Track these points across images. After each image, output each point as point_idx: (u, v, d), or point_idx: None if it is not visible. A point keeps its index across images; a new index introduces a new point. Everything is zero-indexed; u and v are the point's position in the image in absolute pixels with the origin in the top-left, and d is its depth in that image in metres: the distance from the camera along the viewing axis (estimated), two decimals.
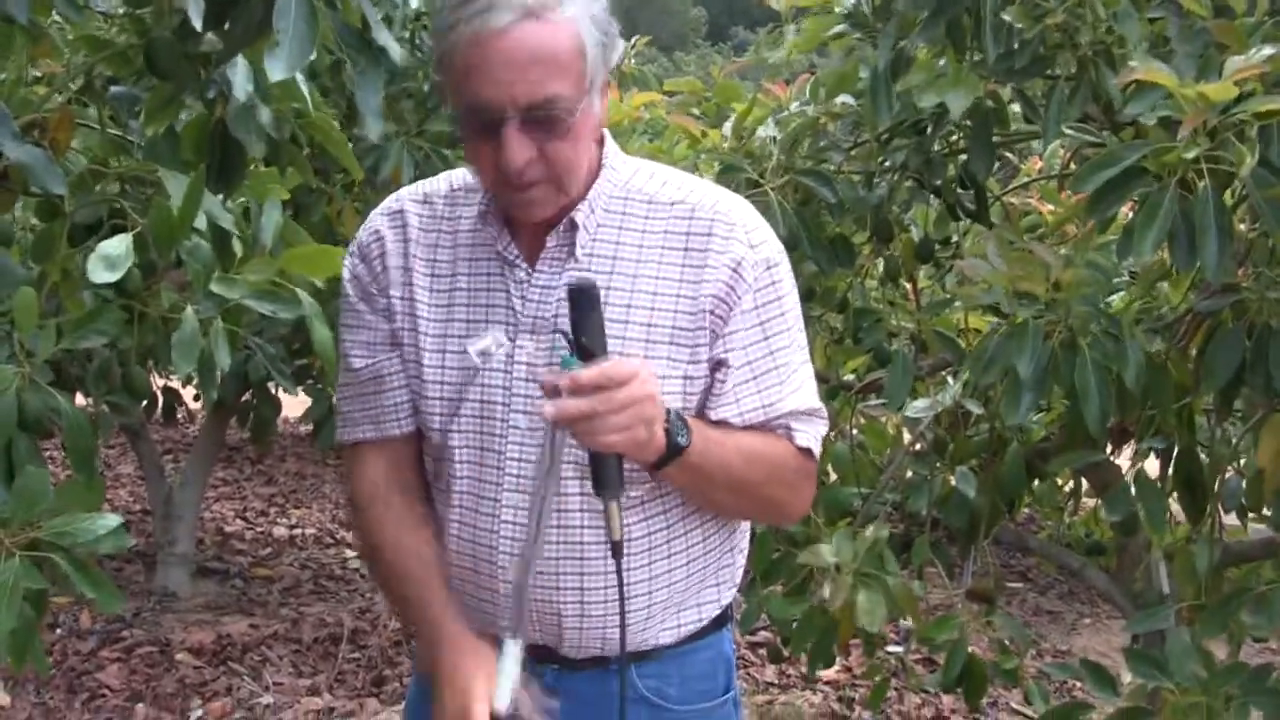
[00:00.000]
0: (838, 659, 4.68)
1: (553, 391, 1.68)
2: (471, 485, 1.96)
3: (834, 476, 3.60)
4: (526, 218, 1.87)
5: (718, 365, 1.91)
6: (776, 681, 4.71)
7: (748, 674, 4.77)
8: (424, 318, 1.96)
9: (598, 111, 1.85)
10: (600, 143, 1.93)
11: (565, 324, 1.75)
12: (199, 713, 4.35)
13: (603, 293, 1.80)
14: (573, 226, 1.88)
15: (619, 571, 1.80)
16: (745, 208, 1.95)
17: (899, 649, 4.90)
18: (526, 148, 1.76)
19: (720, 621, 2.10)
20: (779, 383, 1.94)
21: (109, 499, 6.29)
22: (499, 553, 1.93)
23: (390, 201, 2.03)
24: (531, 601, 1.91)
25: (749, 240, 1.90)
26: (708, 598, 2.07)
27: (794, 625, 3.25)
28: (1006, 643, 3.42)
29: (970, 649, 3.33)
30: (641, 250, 1.90)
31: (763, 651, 4.74)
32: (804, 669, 4.69)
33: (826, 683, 4.67)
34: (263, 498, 7.13)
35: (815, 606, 3.16)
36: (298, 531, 6.46)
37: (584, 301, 1.74)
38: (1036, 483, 3.75)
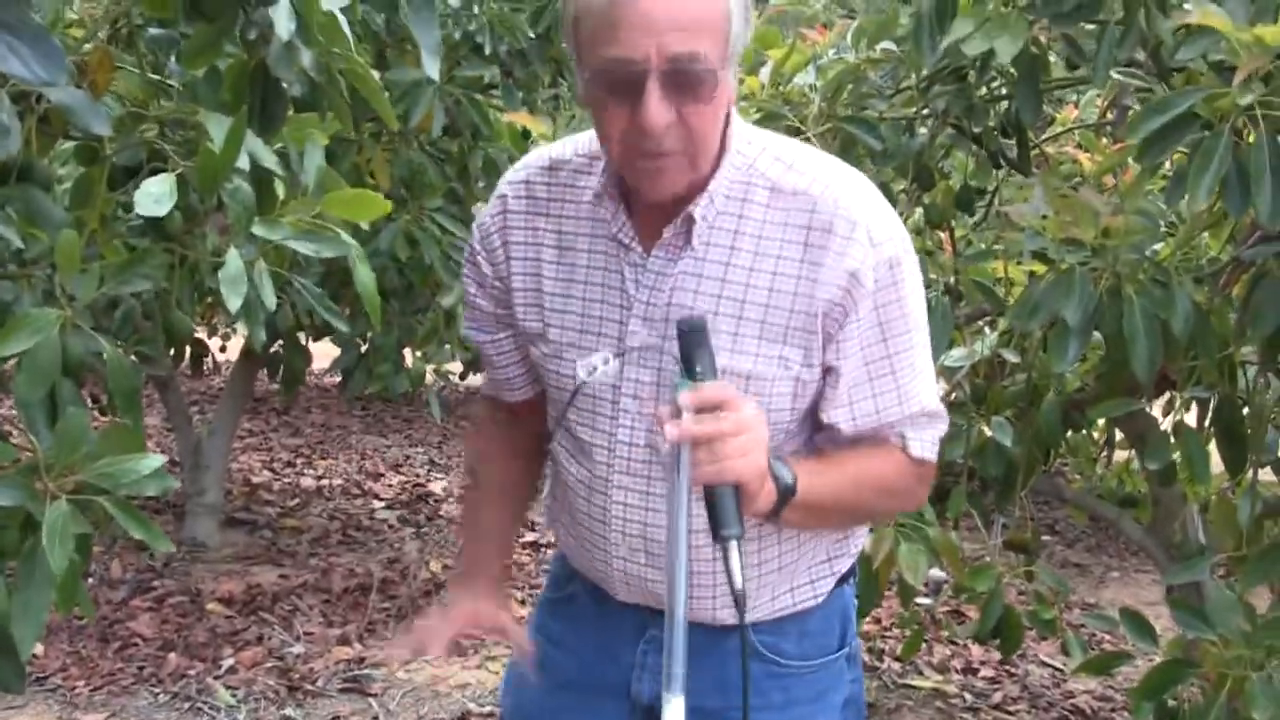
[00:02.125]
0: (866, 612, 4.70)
1: (673, 414, 1.64)
2: (585, 462, 1.95)
3: None
4: (653, 191, 1.79)
5: (830, 369, 1.84)
6: None
7: None
8: (549, 292, 1.94)
9: (732, 88, 1.76)
10: (726, 123, 1.82)
11: (678, 332, 1.71)
12: (230, 662, 4.36)
13: (718, 284, 1.81)
14: (690, 220, 1.81)
15: (741, 616, 1.65)
16: (870, 199, 1.83)
17: (928, 601, 4.91)
18: (666, 109, 1.67)
19: (842, 581, 2.06)
20: (895, 387, 1.86)
21: None
22: (611, 530, 1.94)
23: (515, 172, 1.98)
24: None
25: (871, 239, 1.79)
26: (821, 573, 2.02)
27: None
28: (1043, 593, 3.41)
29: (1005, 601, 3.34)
30: (760, 241, 1.82)
31: None
32: None
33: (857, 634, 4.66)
34: (289, 449, 7.14)
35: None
36: (325, 482, 6.46)
37: (694, 338, 1.70)
38: (1070, 434, 3.74)
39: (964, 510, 3.39)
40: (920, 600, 4.57)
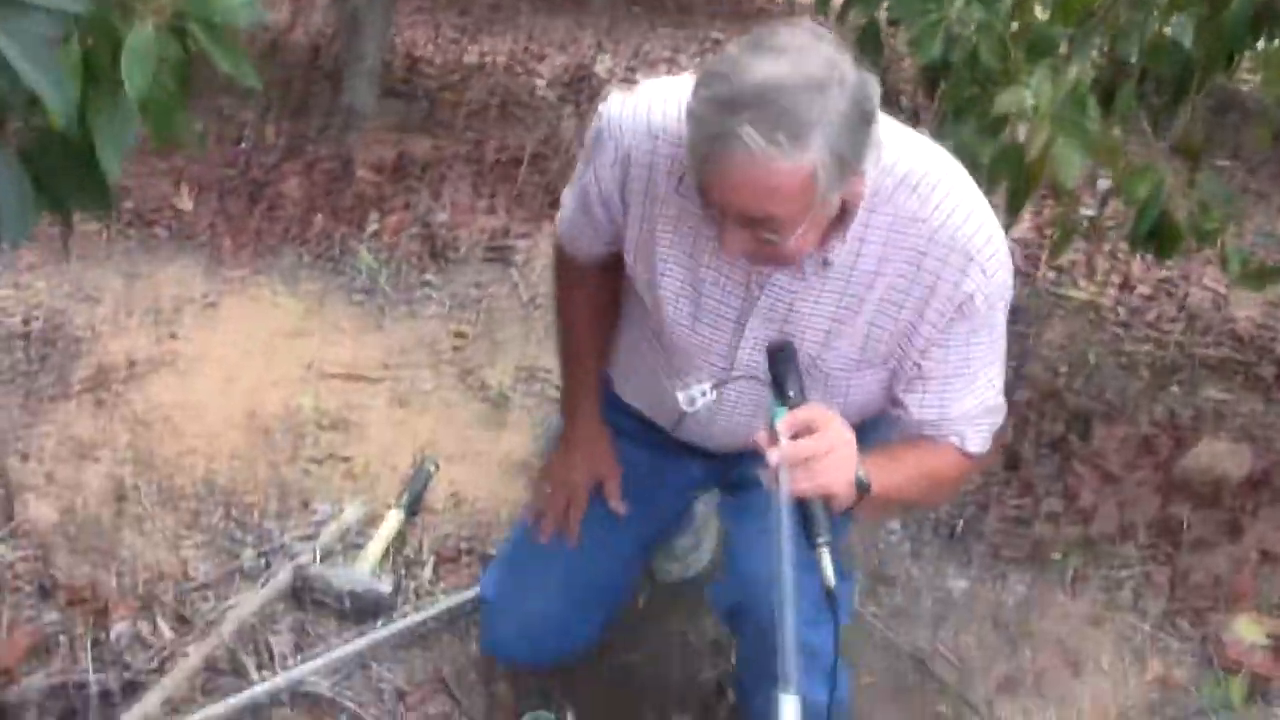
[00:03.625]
0: (1029, 217, 4.52)
1: (770, 441, 1.79)
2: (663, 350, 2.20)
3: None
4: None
5: (917, 363, 2.02)
6: None
7: None
8: (663, 256, 2.07)
9: (834, 207, 1.83)
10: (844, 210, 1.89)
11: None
12: (375, 226, 4.38)
13: (838, 296, 1.98)
14: (826, 264, 1.95)
15: (835, 623, 1.86)
16: (986, 231, 1.94)
17: (1092, 212, 4.69)
18: (744, 241, 1.80)
19: None
20: (964, 389, 2.03)
21: (293, 16, 6.24)
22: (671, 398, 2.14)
23: (643, 129, 2.03)
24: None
25: (982, 273, 1.93)
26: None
27: (986, 165, 3.09)
28: (1208, 201, 3.21)
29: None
30: (880, 263, 1.94)
31: None
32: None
33: (1015, 239, 4.49)
34: (455, 26, 6.99)
35: (1009, 147, 2.99)
36: (488, 59, 6.34)
37: (783, 359, 1.92)
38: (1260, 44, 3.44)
39: (1132, 110, 3.18)
40: (1085, 212, 4.38)
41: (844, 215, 1.89)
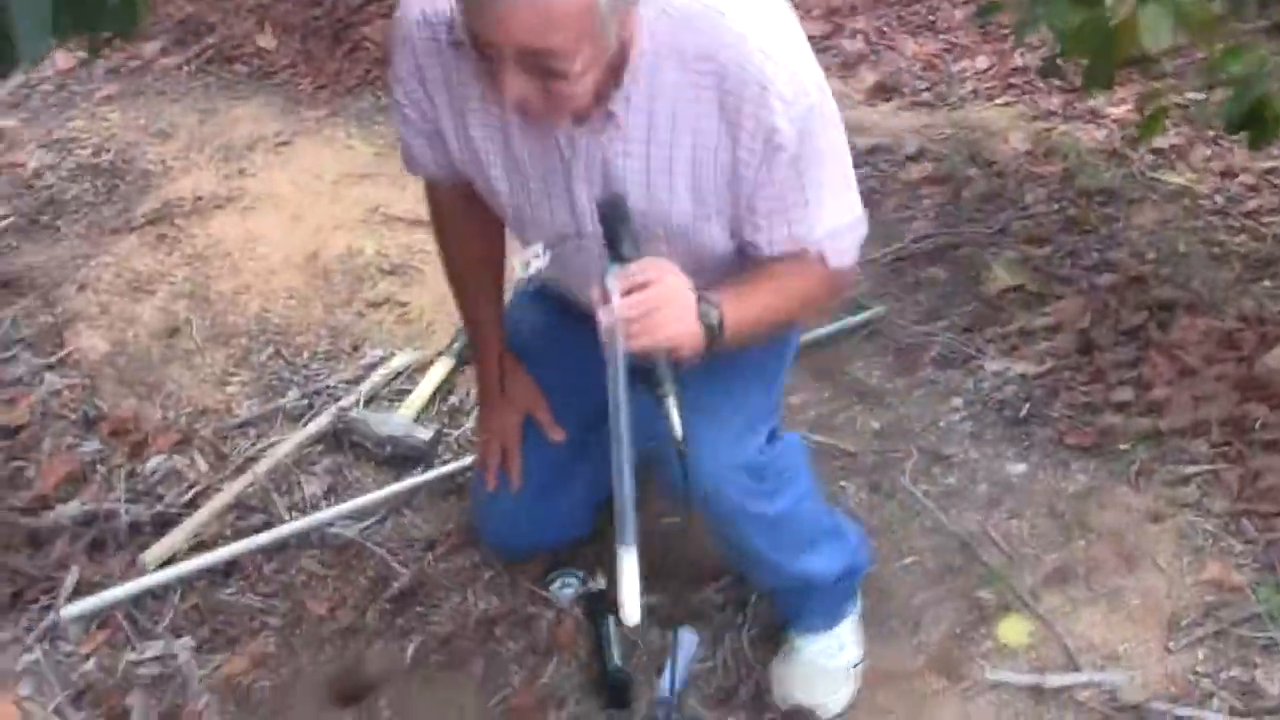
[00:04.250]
0: (1130, 99, 4.29)
1: (603, 299, 1.73)
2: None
3: None
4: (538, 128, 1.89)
5: (750, 205, 1.93)
6: (1059, 110, 4.34)
7: (1030, 100, 4.40)
8: (481, 144, 1.98)
9: (612, 45, 1.73)
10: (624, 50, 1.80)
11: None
12: None
13: (643, 146, 1.88)
14: (610, 116, 1.86)
15: (685, 473, 1.85)
16: (778, 56, 1.84)
17: (1200, 96, 4.43)
18: (524, 85, 1.70)
19: None
20: (809, 215, 1.95)
21: None
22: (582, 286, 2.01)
23: (420, 13, 1.94)
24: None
25: (782, 98, 1.83)
26: None
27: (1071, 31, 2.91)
28: None
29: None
30: (675, 114, 1.86)
31: (1048, 83, 4.35)
32: (1092, 104, 4.34)
33: (1114, 120, 4.28)
34: None
35: (1091, 16, 2.80)
36: None
37: (614, 216, 1.81)
38: None
39: None
40: (1191, 95, 4.14)
41: (622, 60, 1.81)
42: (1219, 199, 3.94)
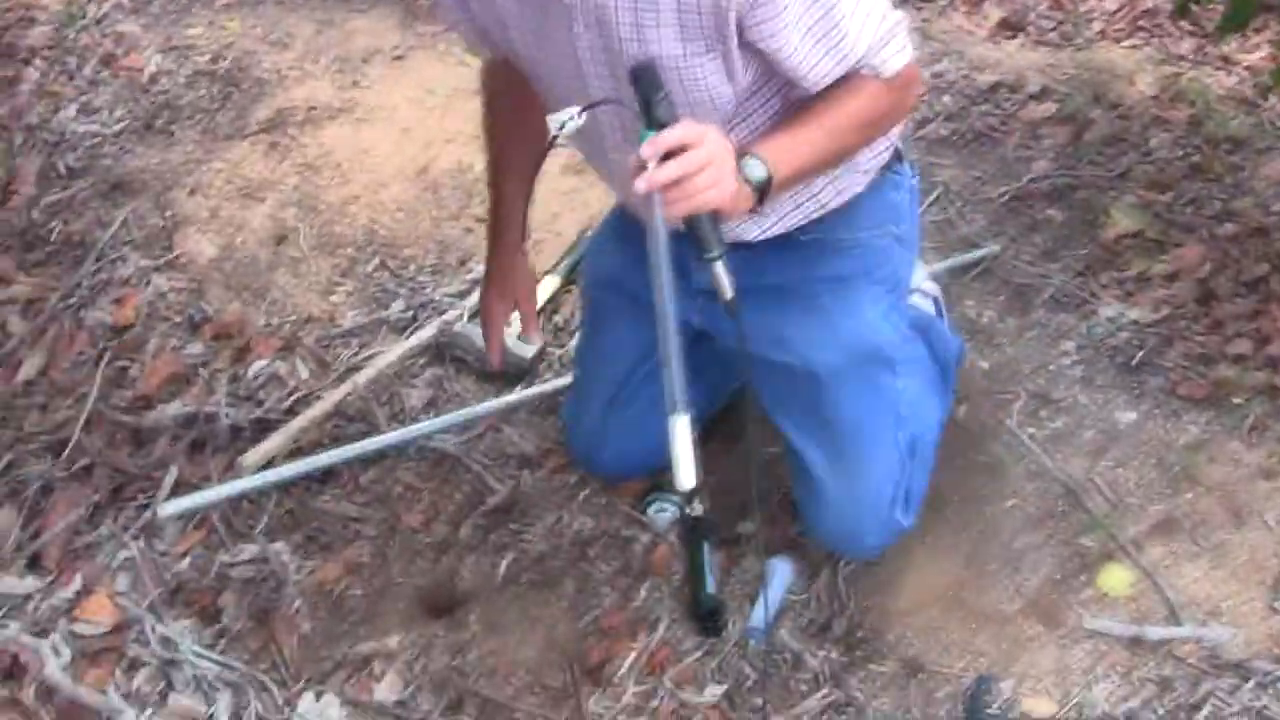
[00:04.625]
0: (1266, 44, 4.12)
1: (639, 167, 1.68)
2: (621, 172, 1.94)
3: None
4: None
5: (773, 50, 1.84)
6: (1189, 55, 4.18)
7: (1159, 43, 4.25)
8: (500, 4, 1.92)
9: None
10: None
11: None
12: None
13: None
14: None
15: (740, 324, 1.80)
16: None
17: None
18: None
19: (886, 169, 2.24)
20: (844, 35, 1.85)
21: None
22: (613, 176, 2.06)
23: None
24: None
25: None
26: (849, 182, 2.18)
27: None
28: None
29: None
30: None
31: (1179, 26, 4.20)
32: (1225, 50, 4.17)
33: (1245, 67, 4.11)
34: None
35: None
36: None
37: (645, 81, 1.76)
38: None
39: None
40: None
41: None
42: None
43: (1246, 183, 3.63)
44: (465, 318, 2.92)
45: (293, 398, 2.72)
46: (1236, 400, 2.98)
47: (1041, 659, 2.39)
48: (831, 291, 2.28)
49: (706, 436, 2.60)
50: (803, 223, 2.21)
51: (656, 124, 1.73)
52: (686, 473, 1.82)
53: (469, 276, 3.09)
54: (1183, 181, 3.55)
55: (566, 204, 3.36)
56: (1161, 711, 2.32)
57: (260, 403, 2.70)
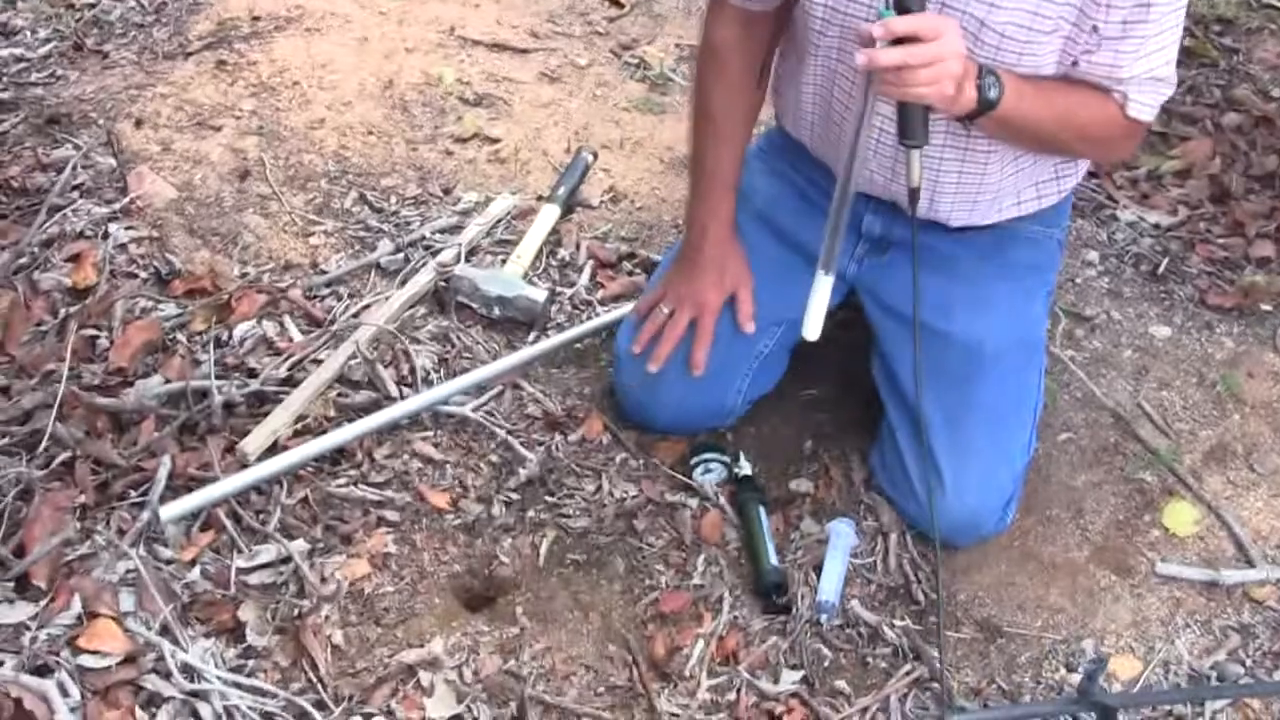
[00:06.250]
0: None
1: (868, 41, 1.66)
2: (830, 69, 1.98)
3: None
4: None
5: (1094, 26, 1.82)
6: None
7: None
8: None
9: None
10: None
11: None
12: None
13: None
14: None
15: (913, 217, 1.83)
16: None
17: None
18: None
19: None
20: (1135, 49, 1.84)
21: None
22: (845, 135, 1.95)
23: None
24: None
25: None
26: (1047, 190, 2.16)
27: None
28: None
29: None
30: None
31: None
32: None
33: None
34: None
35: None
36: None
37: None
38: None
39: None
40: None
41: None
42: None
43: (1242, 67, 3.36)
44: (462, 257, 2.56)
45: (288, 364, 2.33)
46: (1266, 307, 2.76)
47: (1119, 612, 2.18)
48: (1007, 276, 2.21)
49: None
50: (1000, 220, 2.17)
51: (902, 9, 1.68)
52: (814, 327, 1.95)
53: (457, 208, 2.71)
54: (1178, 68, 3.28)
55: (548, 118, 2.98)
56: (1249, 663, 2.11)
57: (253, 372, 2.30)
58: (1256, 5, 3.57)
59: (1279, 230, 2.92)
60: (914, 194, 1.78)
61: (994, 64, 1.81)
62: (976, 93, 1.77)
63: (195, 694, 1.86)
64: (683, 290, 2.22)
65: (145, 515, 2.06)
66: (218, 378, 2.27)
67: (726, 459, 2.27)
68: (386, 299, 2.47)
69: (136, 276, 2.48)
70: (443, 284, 2.50)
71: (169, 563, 2.03)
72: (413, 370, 2.35)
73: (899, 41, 1.66)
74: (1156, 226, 2.92)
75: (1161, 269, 2.80)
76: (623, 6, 3.32)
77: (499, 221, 2.67)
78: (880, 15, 1.67)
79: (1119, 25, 1.81)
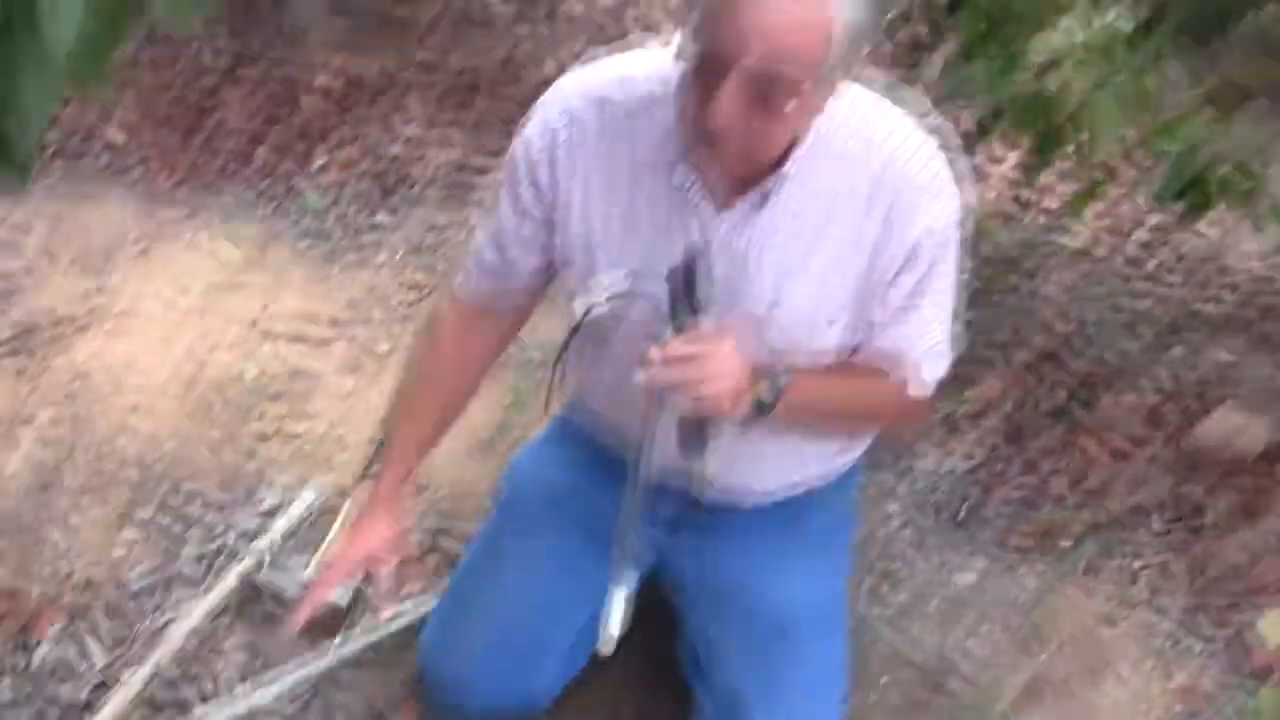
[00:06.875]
0: (1014, 154, 4.06)
1: (648, 362, 1.70)
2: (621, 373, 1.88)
3: None
4: (703, 168, 1.78)
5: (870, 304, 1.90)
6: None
7: None
8: (602, 238, 1.89)
9: (817, 106, 1.71)
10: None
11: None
12: (323, 161, 3.87)
13: (784, 240, 1.82)
14: (764, 199, 1.80)
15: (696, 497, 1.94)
16: (932, 165, 1.81)
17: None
18: (735, 112, 1.61)
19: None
20: (921, 326, 1.91)
21: None
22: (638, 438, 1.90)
23: (563, 98, 1.88)
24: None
25: (931, 210, 1.81)
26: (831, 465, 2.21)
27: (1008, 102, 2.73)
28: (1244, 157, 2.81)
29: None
30: (829, 212, 1.82)
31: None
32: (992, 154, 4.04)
33: (1004, 177, 4.02)
34: None
35: (1036, 95, 2.60)
36: None
37: (696, 264, 1.73)
38: None
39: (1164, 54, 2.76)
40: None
41: (805, 132, 1.76)
42: (1119, 260, 3.73)
43: (1027, 304, 3.55)
44: (266, 562, 2.58)
45: (88, 686, 2.31)
46: (1064, 544, 2.88)
47: None
48: (808, 544, 2.26)
49: None
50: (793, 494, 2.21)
51: (695, 309, 1.73)
52: (609, 640, 1.86)
53: (260, 510, 2.74)
54: (969, 309, 3.45)
55: (352, 406, 3.05)
56: None
57: (53, 700, 2.28)
58: (1038, 242, 3.78)
59: (1070, 466, 3.06)
60: (695, 503, 1.89)
61: (785, 351, 1.87)
62: (751, 403, 1.82)
63: None
64: (359, 537, 2.18)
65: None
66: (11, 705, 2.24)
67: None
68: (190, 611, 2.47)
69: None
70: (247, 593, 2.52)
71: None
72: (216, 684, 2.35)
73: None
74: (953, 472, 3.04)
75: (962, 514, 2.92)
76: (422, 290, 3.40)
77: (303, 520, 2.70)
78: (664, 335, 1.73)
79: (897, 311, 1.89)
